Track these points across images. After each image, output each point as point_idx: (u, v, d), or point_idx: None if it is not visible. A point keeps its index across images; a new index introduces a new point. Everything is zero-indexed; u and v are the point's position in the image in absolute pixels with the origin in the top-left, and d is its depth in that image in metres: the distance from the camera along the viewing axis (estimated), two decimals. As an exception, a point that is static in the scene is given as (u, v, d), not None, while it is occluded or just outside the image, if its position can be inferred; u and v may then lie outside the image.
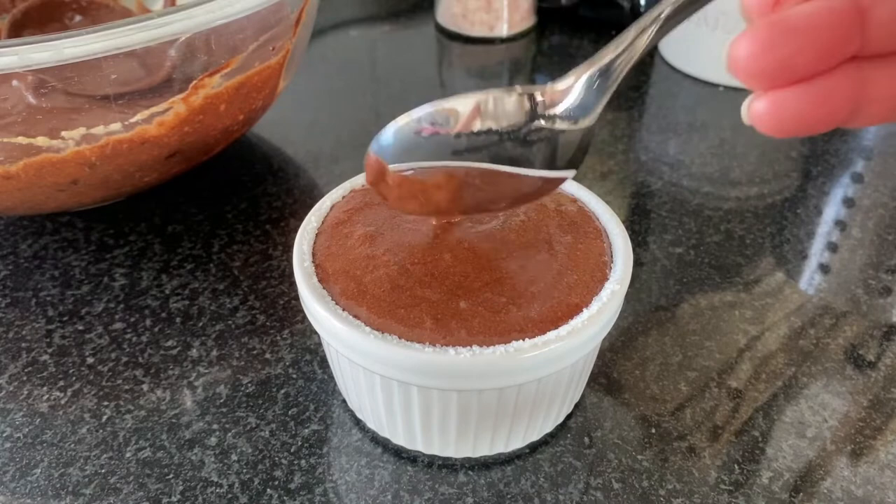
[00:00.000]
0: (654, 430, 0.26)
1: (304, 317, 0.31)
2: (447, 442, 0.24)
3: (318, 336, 0.27)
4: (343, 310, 0.22)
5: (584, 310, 0.22)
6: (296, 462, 0.25)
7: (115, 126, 0.30)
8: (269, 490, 0.24)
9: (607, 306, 0.22)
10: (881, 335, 0.30)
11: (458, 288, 0.22)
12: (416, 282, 0.23)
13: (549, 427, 0.26)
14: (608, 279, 0.24)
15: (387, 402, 0.23)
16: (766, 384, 0.28)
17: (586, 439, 0.26)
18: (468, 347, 0.21)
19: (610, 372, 0.28)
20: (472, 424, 0.23)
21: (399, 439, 0.25)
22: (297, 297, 0.32)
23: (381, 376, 0.22)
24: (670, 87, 0.50)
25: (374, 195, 0.26)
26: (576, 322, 0.22)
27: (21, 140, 0.29)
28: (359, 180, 0.27)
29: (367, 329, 0.21)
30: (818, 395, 0.27)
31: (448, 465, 0.25)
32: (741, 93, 0.48)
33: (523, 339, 0.21)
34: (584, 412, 0.27)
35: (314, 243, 0.25)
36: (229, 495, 0.24)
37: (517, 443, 0.25)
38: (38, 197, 0.32)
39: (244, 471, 0.25)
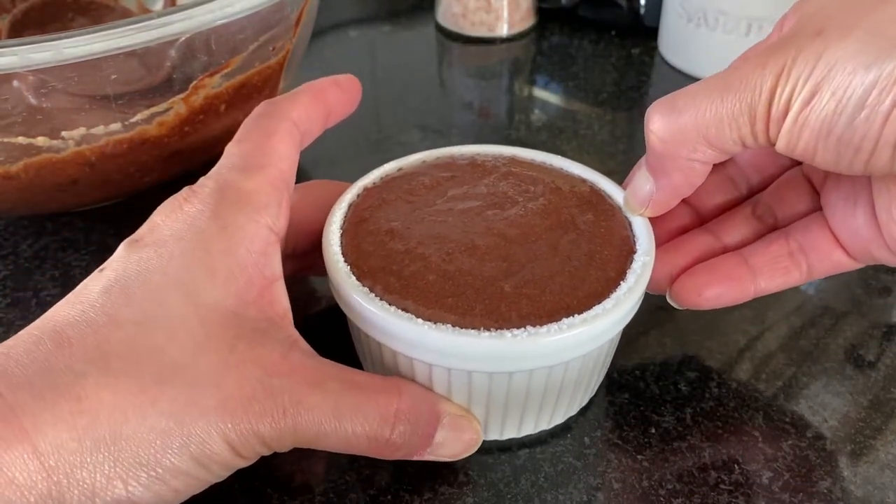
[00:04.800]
0: (654, 430, 0.26)
1: (305, 315, 0.31)
2: (497, 424, 0.25)
3: (350, 335, 0.27)
4: (390, 305, 0.22)
5: (622, 283, 0.23)
6: (296, 462, 0.25)
7: (115, 126, 0.30)
8: (269, 490, 0.24)
9: (642, 277, 0.24)
10: (881, 335, 0.30)
11: (498, 273, 0.23)
12: (456, 271, 0.23)
13: (585, 400, 0.27)
14: (636, 251, 0.25)
15: (441, 392, 0.23)
16: (766, 384, 0.28)
17: (586, 439, 0.26)
18: (522, 329, 0.21)
19: (610, 372, 0.28)
20: (520, 404, 0.24)
21: None
22: (297, 297, 0.32)
23: (435, 366, 0.22)
24: (670, 87, 0.49)
25: (389, 192, 0.27)
26: (618, 294, 0.23)
27: (21, 140, 0.29)
28: (370, 178, 0.28)
29: (420, 321, 0.22)
30: (818, 395, 0.27)
31: (448, 465, 0.25)
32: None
33: (573, 316, 0.22)
34: (583, 412, 0.27)
35: (341, 244, 0.25)
36: (229, 495, 0.24)
37: (559, 418, 0.26)
38: (38, 197, 0.32)
39: (244, 471, 0.25)
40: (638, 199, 0.25)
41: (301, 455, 0.25)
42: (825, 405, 0.27)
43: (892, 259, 0.23)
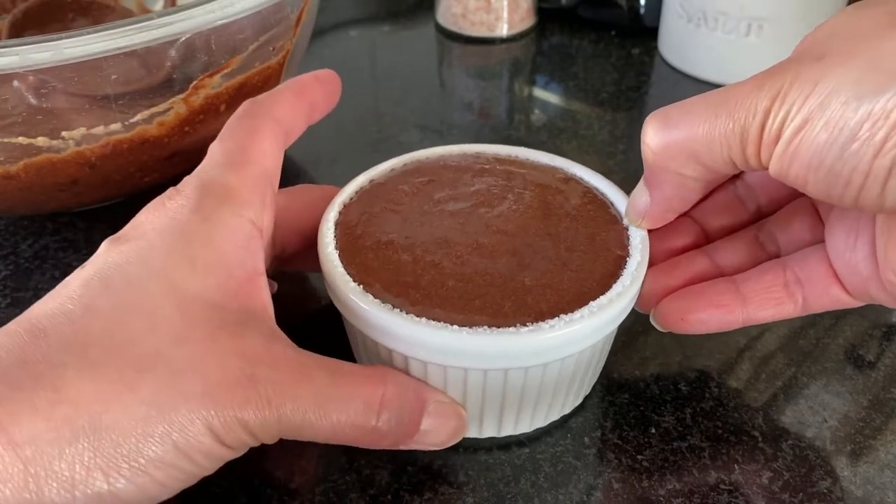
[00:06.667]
0: (654, 430, 0.26)
1: (305, 316, 0.31)
2: (527, 416, 0.25)
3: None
4: (418, 317, 0.22)
5: (629, 259, 0.24)
6: (296, 462, 0.25)
7: (116, 126, 0.30)
8: (269, 490, 0.24)
9: (645, 252, 0.24)
10: (881, 335, 0.30)
11: (513, 268, 0.23)
12: (472, 272, 0.23)
13: (594, 380, 0.27)
14: (628, 229, 0.25)
15: (474, 394, 0.23)
16: (766, 384, 0.28)
17: (586, 439, 0.26)
18: (558, 318, 0.22)
19: (610, 372, 0.28)
20: (549, 392, 0.24)
21: (473, 431, 0.25)
22: (297, 297, 0.32)
23: (470, 370, 0.22)
24: (670, 87, 0.50)
25: (372, 206, 0.26)
26: (630, 271, 0.24)
27: (21, 140, 0.29)
28: (345, 194, 0.27)
29: (456, 328, 0.21)
30: (818, 395, 0.27)
31: (448, 465, 0.25)
32: (741, 93, 0.48)
33: (598, 298, 0.23)
34: (584, 412, 0.27)
35: (344, 265, 0.24)
36: (229, 495, 0.24)
37: (569, 406, 0.26)
38: (38, 197, 0.32)
39: (244, 470, 0.25)
40: (634, 209, 0.25)
41: (301, 455, 0.25)
42: (825, 405, 0.27)
43: (890, 300, 0.22)
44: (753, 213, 0.27)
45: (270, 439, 0.21)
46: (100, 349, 0.19)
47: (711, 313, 0.24)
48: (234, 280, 0.21)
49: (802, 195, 0.26)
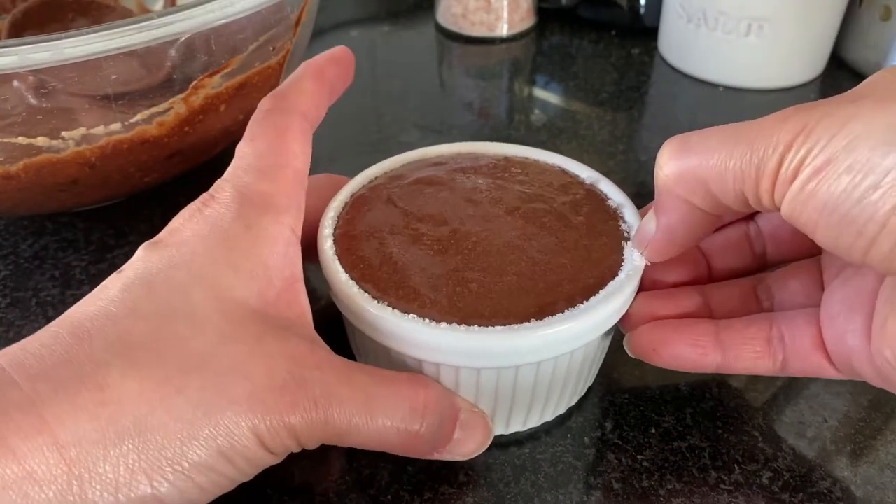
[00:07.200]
0: (653, 430, 0.26)
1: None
2: (534, 414, 0.25)
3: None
4: (430, 321, 0.22)
5: (629, 250, 0.25)
6: (296, 462, 0.25)
7: (115, 126, 0.30)
8: (268, 490, 0.24)
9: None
10: (881, 335, 0.30)
11: (519, 265, 0.23)
12: (478, 272, 0.23)
13: (597, 370, 0.28)
14: (626, 221, 0.26)
15: (486, 394, 0.24)
16: (766, 384, 0.28)
17: (586, 439, 0.26)
18: (567, 311, 0.22)
19: (610, 372, 0.28)
20: (558, 386, 0.24)
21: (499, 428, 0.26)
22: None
23: (483, 370, 0.22)
24: (670, 87, 0.50)
25: (365, 211, 0.26)
26: (631, 261, 0.24)
27: (21, 140, 0.29)
28: (339, 199, 0.27)
29: (471, 328, 0.21)
30: (818, 395, 0.27)
31: (448, 465, 0.25)
32: (741, 93, 0.48)
33: (603, 288, 0.23)
34: (584, 412, 0.27)
35: (360, 285, 0.23)
36: (229, 495, 0.24)
37: (581, 394, 0.27)
38: (38, 197, 0.32)
39: (244, 471, 0.25)
40: (641, 235, 0.24)
41: (301, 455, 0.25)
42: (825, 405, 0.27)
43: (872, 375, 0.21)
44: (759, 257, 0.26)
45: (314, 444, 0.20)
46: (144, 351, 0.19)
47: (685, 351, 0.24)
48: (274, 289, 0.21)
49: (808, 257, 0.25)
